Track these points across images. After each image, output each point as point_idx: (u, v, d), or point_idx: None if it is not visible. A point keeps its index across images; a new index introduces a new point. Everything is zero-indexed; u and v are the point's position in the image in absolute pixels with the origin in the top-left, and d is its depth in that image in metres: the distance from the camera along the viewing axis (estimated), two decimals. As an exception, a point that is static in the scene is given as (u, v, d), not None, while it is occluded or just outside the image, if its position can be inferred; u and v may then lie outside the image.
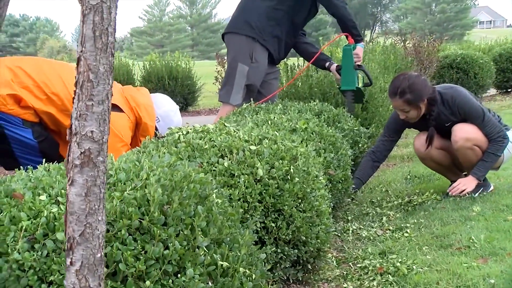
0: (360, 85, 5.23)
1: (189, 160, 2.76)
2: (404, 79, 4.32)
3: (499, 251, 3.26)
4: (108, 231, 1.77)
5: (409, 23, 70.49)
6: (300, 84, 6.02)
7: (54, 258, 1.70)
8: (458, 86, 4.52)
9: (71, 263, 1.20)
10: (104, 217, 1.22)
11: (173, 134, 2.98)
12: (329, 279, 3.23)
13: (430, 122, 4.44)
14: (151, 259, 1.77)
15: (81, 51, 1.12)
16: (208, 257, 1.90)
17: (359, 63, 5.24)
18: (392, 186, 5.17)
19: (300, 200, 2.80)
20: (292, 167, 2.81)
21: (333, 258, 3.55)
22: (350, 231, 3.99)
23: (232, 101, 4.98)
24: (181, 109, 13.05)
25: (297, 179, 2.79)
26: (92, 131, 1.14)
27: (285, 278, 2.84)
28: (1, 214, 1.78)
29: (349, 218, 4.32)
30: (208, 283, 1.87)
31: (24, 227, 1.74)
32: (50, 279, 1.69)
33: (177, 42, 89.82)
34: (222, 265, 1.92)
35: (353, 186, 4.38)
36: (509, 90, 13.15)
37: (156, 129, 4.30)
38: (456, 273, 3.01)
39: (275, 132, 3.16)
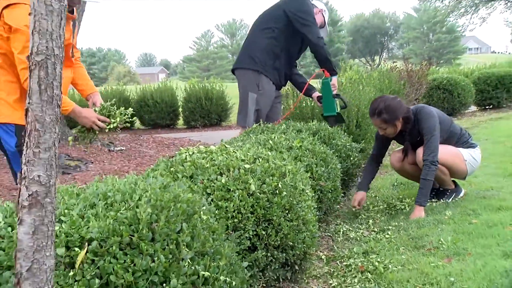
0: (339, 109, 5.16)
1: (191, 177, 2.68)
2: (381, 101, 4.24)
3: (462, 251, 3.16)
4: (101, 246, 1.69)
5: (411, 49, 70.71)
6: (304, 105, 5.92)
7: (55, 271, 1.62)
8: (428, 106, 4.37)
9: None
10: (52, 252, 1.12)
11: (181, 155, 2.89)
12: (318, 275, 3.15)
13: (406, 137, 4.36)
14: (139, 271, 1.68)
15: (29, 103, 1.04)
16: (192, 268, 1.81)
17: (336, 92, 5.17)
18: (381, 192, 5.05)
19: (287, 211, 2.69)
20: (280, 182, 2.72)
21: (324, 256, 3.46)
22: (341, 232, 3.89)
23: (248, 124, 4.93)
24: (215, 124, 13.17)
25: (284, 193, 2.69)
26: (39, 175, 1.06)
27: (275, 277, 2.73)
28: (13, 231, 1.71)
29: (340, 221, 4.20)
30: (191, 291, 1.78)
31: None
32: (50, 289, 1.61)
33: (221, 67, 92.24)
34: (204, 274, 1.82)
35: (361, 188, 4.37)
36: (487, 107, 13.00)
37: None
38: (423, 272, 2.92)
39: (268, 152, 3.06)
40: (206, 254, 1.89)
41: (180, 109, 13.81)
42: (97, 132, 3.37)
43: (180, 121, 14.07)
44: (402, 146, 4.60)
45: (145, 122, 13.79)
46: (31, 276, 1.06)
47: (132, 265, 1.69)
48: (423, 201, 4.03)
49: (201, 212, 2.03)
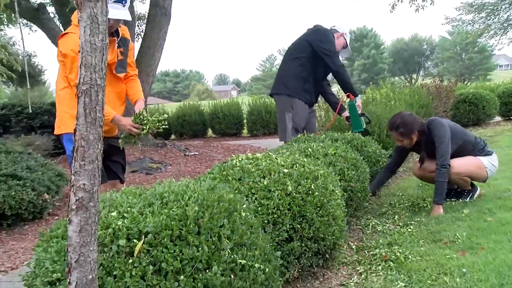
0: (364, 125, 5.10)
1: (240, 180, 2.69)
2: (398, 117, 4.15)
3: (475, 245, 3.02)
4: (155, 238, 1.72)
5: (445, 68, 68.44)
6: (342, 118, 5.83)
7: (117, 258, 1.66)
8: (440, 118, 4.23)
9: (69, 283, 1.13)
10: (95, 247, 1.15)
11: (233, 161, 2.91)
12: (348, 263, 3.08)
13: (422, 147, 4.22)
14: (186, 259, 1.71)
15: (76, 124, 1.07)
16: (231, 257, 1.81)
17: (360, 111, 5.10)
18: (407, 192, 4.88)
19: (319, 208, 2.66)
20: (313, 184, 2.70)
21: (354, 246, 3.39)
22: (370, 226, 3.79)
23: (287, 139, 4.91)
24: (273, 133, 13.17)
25: (316, 193, 2.66)
26: (84, 184, 1.09)
27: (309, 264, 2.71)
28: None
29: (370, 216, 4.11)
30: (231, 276, 1.78)
31: (97, 236, 1.71)
32: (114, 273, 1.65)
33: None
34: (241, 262, 1.82)
35: (371, 191, 4.19)
36: (511, 118, 12.42)
37: None
38: (439, 263, 2.81)
39: (304, 158, 3.03)
40: (244, 245, 1.90)
41: (245, 120, 13.90)
42: (136, 136, 3.33)
43: (245, 131, 14.13)
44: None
45: (216, 131, 13.94)
46: (79, 266, 1.09)
47: (180, 254, 1.71)
48: (440, 200, 3.88)
49: (241, 210, 2.03)
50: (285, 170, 2.72)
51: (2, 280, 3.37)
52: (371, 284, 2.69)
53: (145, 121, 3.24)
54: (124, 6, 3.17)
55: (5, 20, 12.55)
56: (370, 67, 68.12)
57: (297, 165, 2.83)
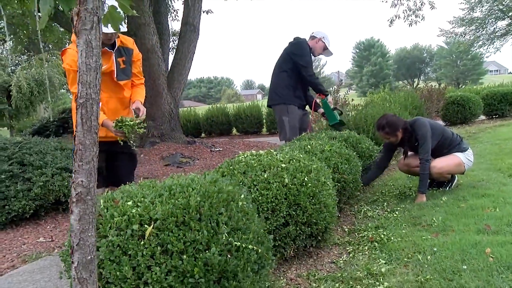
0: (338, 118, 5.07)
1: (244, 173, 2.70)
2: (383, 119, 4.11)
3: (448, 228, 3.00)
4: (163, 224, 1.74)
5: (443, 73, 67.07)
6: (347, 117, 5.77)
7: (131, 240, 1.69)
8: (423, 118, 4.15)
9: (72, 262, 1.16)
10: (93, 233, 1.17)
11: (239, 157, 2.92)
12: (340, 243, 3.08)
13: (406, 143, 4.16)
14: (188, 241, 1.72)
15: (75, 131, 1.10)
16: (228, 239, 1.82)
17: (332, 106, 5.09)
18: (397, 182, 4.83)
19: (311, 198, 2.65)
20: (307, 177, 2.69)
21: (347, 229, 3.37)
22: (362, 212, 3.76)
23: (286, 139, 4.93)
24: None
25: (309, 184, 2.66)
26: (82, 181, 1.11)
27: (304, 245, 2.71)
28: (107, 212, 1.80)
29: (363, 203, 4.08)
30: (227, 256, 1.80)
31: (115, 221, 1.75)
32: (129, 253, 1.68)
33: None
34: (236, 244, 1.83)
35: (362, 183, 4.13)
36: (494, 116, 12.14)
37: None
38: (416, 243, 2.79)
39: (300, 155, 3.02)
40: (239, 230, 1.91)
41: (264, 120, 13.90)
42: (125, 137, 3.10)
43: (264, 129, 14.15)
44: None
45: (239, 130, 13.99)
46: (79, 249, 1.12)
47: (184, 237, 1.72)
48: (423, 189, 3.85)
49: (239, 200, 2.04)
50: (283, 165, 2.72)
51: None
52: (357, 262, 2.68)
53: (123, 126, 3.05)
54: None
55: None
56: (377, 73, 67.31)
57: (294, 161, 2.82)
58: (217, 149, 8.69)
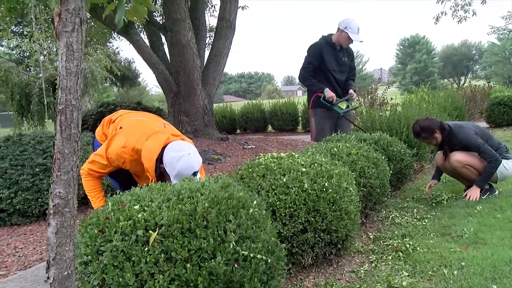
0: (344, 107, 5.03)
1: (263, 176, 2.63)
2: (416, 125, 4.01)
3: (480, 240, 2.79)
4: (167, 230, 1.70)
5: (493, 71, 64.08)
6: (377, 119, 5.55)
7: (135, 246, 1.66)
8: (465, 126, 3.97)
9: (48, 277, 1.12)
10: (71, 247, 1.13)
11: (259, 159, 2.85)
12: (363, 251, 2.94)
13: (446, 144, 4.02)
14: (193, 249, 1.67)
15: (55, 139, 1.06)
16: (235, 248, 1.76)
17: (334, 102, 4.94)
18: (431, 187, 4.61)
19: (331, 204, 2.54)
20: (327, 182, 2.58)
21: (372, 236, 3.23)
22: (390, 218, 3.59)
23: (317, 139, 4.89)
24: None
25: (330, 190, 2.54)
26: (60, 192, 1.07)
27: (322, 253, 2.61)
28: (113, 215, 1.78)
29: (392, 209, 3.90)
30: (234, 266, 1.73)
31: (121, 225, 1.72)
32: (132, 259, 1.65)
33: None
34: (243, 253, 1.76)
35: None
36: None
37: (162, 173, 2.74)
38: (442, 256, 2.62)
39: (323, 158, 2.91)
40: (248, 238, 1.84)
41: (300, 118, 13.73)
42: None
43: (300, 127, 13.98)
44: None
45: (274, 127, 13.87)
46: (55, 263, 1.08)
47: (188, 245, 1.68)
48: (481, 184, 3.79)
49: (250, 206, 1.97)
50: (303, 169, 2.63)
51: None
52: (378, 272, 2.55)
53: None
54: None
55: (107, 36, 13.14)
56: (421, 70, 65.21)
57: (315, 165, 2.72)
58: (250, 147, 8.63)
